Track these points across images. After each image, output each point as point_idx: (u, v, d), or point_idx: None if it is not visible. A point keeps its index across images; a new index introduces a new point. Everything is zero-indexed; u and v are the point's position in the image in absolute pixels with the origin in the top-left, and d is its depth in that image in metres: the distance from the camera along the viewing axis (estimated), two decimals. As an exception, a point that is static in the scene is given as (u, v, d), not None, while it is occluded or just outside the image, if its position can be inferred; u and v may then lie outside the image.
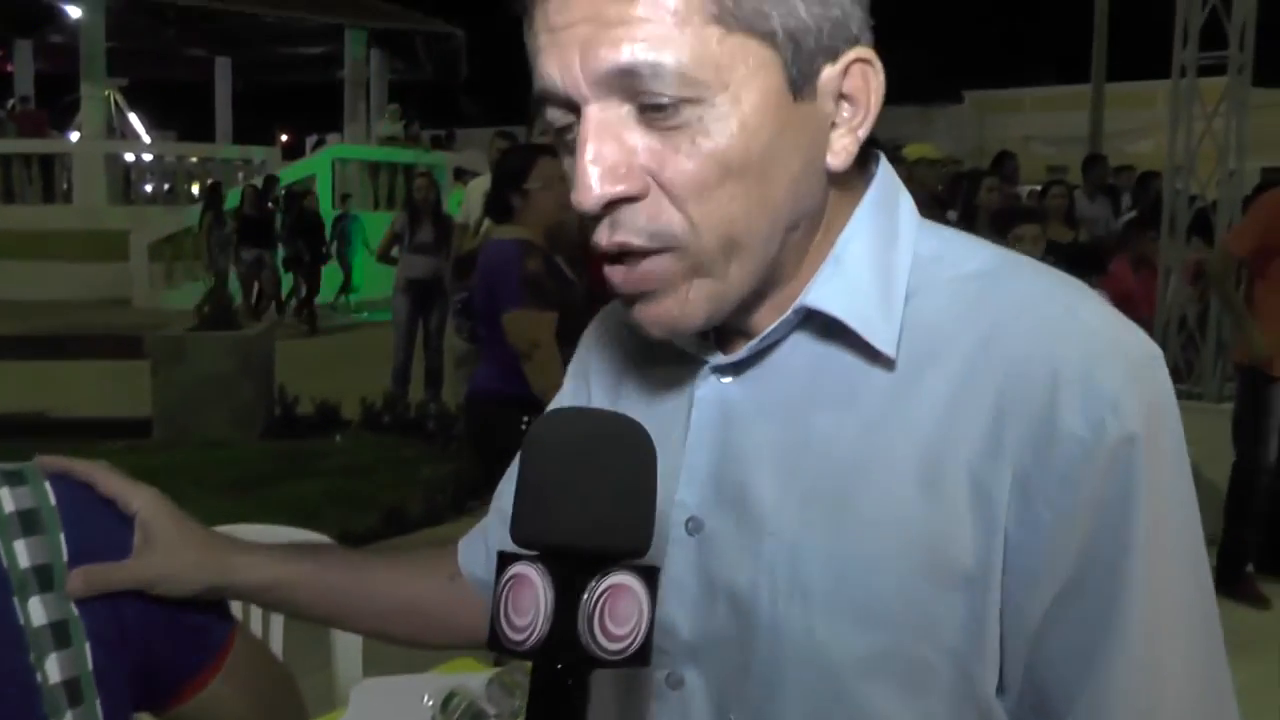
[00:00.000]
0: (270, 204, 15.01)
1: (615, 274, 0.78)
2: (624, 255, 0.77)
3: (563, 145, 0.78)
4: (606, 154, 0.73)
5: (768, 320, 0.81)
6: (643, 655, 0.66)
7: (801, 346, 0.82)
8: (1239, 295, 4.98)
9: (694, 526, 0.84)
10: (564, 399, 1.07)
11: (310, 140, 26.08)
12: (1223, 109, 5.95)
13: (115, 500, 1.00)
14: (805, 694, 0.79)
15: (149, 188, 21.48)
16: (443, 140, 21.83)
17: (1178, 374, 6.03)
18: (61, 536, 0.98)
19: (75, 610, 0.97)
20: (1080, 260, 6.54)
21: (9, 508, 0.96)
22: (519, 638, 0.65)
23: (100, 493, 1.01)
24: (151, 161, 21.36)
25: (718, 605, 0.82)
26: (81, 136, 20.83)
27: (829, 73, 0.76)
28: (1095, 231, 8.77)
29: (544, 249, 3.57)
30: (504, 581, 0.66)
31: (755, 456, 0.82)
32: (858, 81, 0.78)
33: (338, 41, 22.04)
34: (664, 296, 0.77)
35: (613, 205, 0.74)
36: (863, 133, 0.79)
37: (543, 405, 3.69)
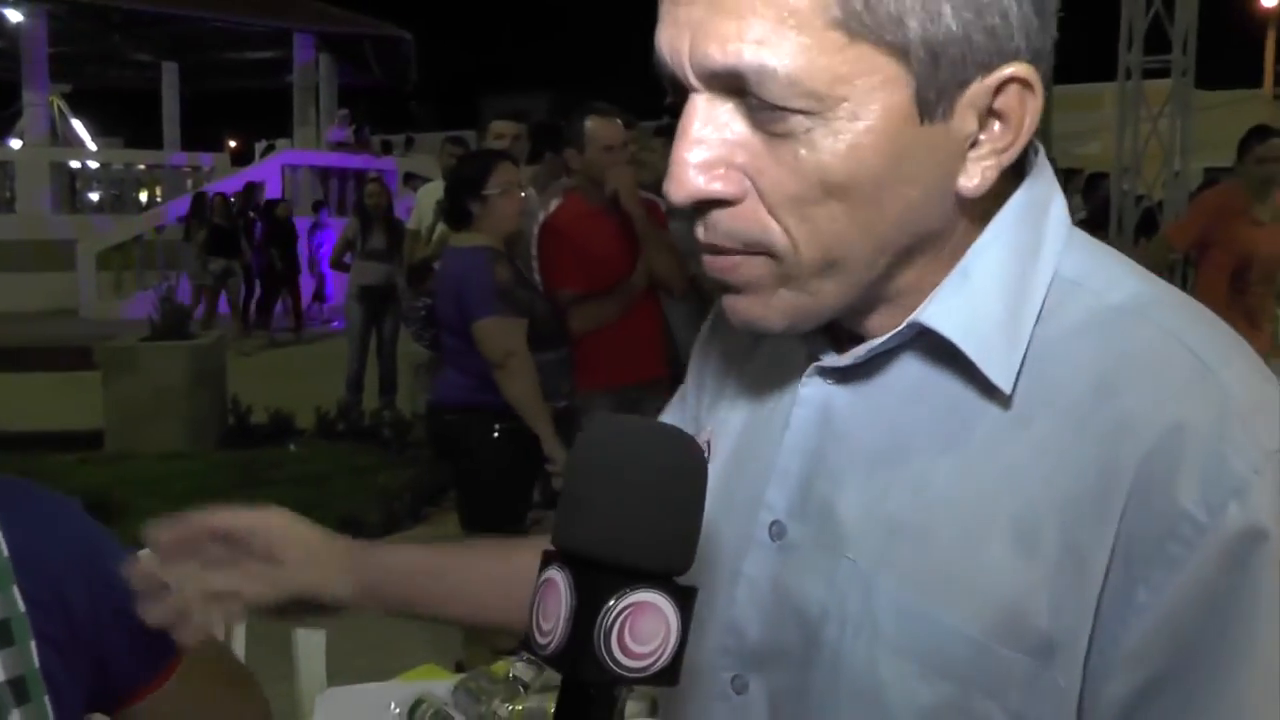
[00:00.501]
0: (252, 213, 14.94)
1: (708, 261, 0.74)
2: (719, 250, 0.72)
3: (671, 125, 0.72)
4: (705, 149, 0.68)
5: (884, 327, 0.75)
6: (667, 675, 0.63)
7: (912, 365, 0.75)
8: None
9: (777, 531, 0.79)
10: (675, 400, 1.01)
11: (259, 146, 25.86)
12: (1167, 111, 6.07)
13: (252, 532, 0.98)
14: None
15: (95, 196, 21.18)
16: (400, 145, 21.72)
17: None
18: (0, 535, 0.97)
19: (21, 608, 0.96)
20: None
21: None
22: (543, 642, 0.63)
23: (232, 528, 0.98)
24: (97, 169, 21.06)
25: (786, 618, 0.78)
26: (24, 144, 20.49)
27: (977, 88, 0.67)
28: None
29: (508, 256, 3.57)
30: (539, 583, 0.64)
31: (848, 470, 0.76)
32: (1012, 101, 0.68)
33: (286, 46, 21.85)
34: (748, 294, 0.73)
35: (705, 205, 0.70)
36: (1008, 158, 0.70)
37: (514, 413, 3.67)
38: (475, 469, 3.55)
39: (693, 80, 0.68)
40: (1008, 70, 0.67)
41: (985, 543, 0.69)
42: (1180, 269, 5.98)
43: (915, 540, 0.72)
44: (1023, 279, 0.72)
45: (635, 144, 4.36)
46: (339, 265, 8.94)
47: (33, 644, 0.96)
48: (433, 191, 7.49)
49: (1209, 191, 5.26)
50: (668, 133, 6.16)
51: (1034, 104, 0.69)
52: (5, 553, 0.97)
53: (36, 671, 0.96)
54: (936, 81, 0.66)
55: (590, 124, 3.77)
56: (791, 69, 0.64)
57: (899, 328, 0.73)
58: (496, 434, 3.47)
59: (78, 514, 1.04)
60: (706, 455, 0.72)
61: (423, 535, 5.85)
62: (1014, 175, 0.73)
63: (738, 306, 0.74)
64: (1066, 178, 10.51)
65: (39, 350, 9.40)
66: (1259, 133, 5.09)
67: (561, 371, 3.65)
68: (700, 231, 0.72)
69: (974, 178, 0.69)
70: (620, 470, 0.63)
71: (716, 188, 0.68)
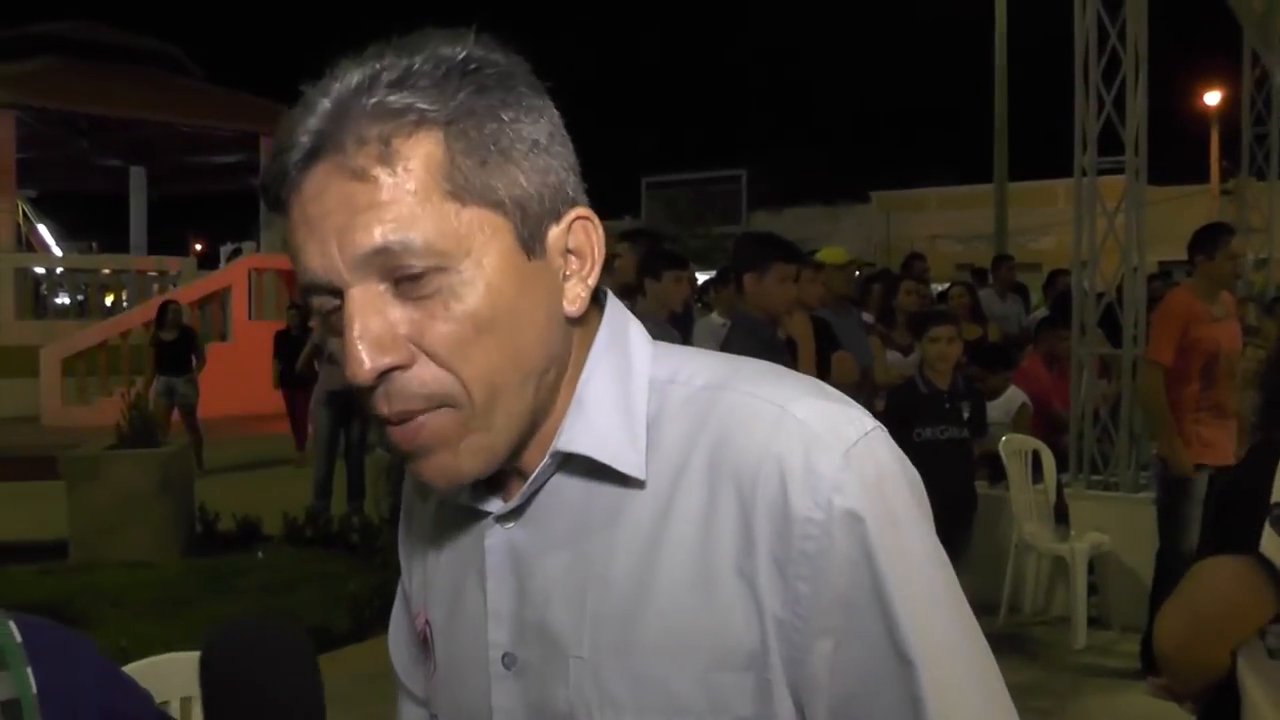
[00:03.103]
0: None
1: (395, 434, 0.85)
2: (405, 418, 0.83)
3: (329, 328, 0.85)
4: (371, 329, 0.80)
5: (537, 460, 0.89)
6: None
7: (567, 484, 0.90)
8: (1168, 413, 5.13)
9: (509, 661, 0.92)
10: (398, 596, 1.15)
11: (225, 249, 25.88)
12: (1122, 208, 6.23)
13: None
14: None
15: (61, 301, 21.08)
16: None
17: (1094, 466, 6.21)
18: (29, 671, 0.99)
19: None
20: (991, 358, 6.75)
21: None
22: None
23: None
24: (63, 274, 21.00)
25: None
26: (-12, 250, 20.41)
27: (555, 231, 0.86)
28: (1008, 329, 9.05)
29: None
30: None
31: (548, 591, 0.90)
32: (580, 236, 0.88)
33: (252, 149, 22.04)
34: (440, 451, 0.84)
35: (384, 375, 0.81)
36: (592, 280, 0.88)
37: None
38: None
39: (346, 276, 0.80)
40: (572, 213, 0.87)
41: (674, 601, 0.85)
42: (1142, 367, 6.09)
43: (619, 621, 0.86)
44: (625, 392, 0.90)
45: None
46: (308, 370, 8.87)
47: None
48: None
49: (1169, 300, 5.36)
50: (632, 237, 6.27)
51: (597, 235, 0.89)
52: (34, 689, 0.99)
53: None
54: (527, 227, 0.84)
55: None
56: (425, 236, 0.79)
57: (544, 460, 0.89)
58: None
59: (94, 654, 1.07)
60: (428, 637, 1.01)
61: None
62: (597, 323, 0.92)
63: (431, 465, 0.85)
64: (1025, 272, 10.72)
65: (8, 461, 9.24)
66: (1223, 230, 5.24)
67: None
68: (384, 405, 0.83)
69: (574, 302, 0.88)
70: (236, 677, 0.77)
71: (389, 360, 0.81)
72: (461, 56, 0.83)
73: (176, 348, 11.75)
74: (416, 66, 0.81)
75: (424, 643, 1.04)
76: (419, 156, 0.80)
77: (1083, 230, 6.30)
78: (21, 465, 9.08)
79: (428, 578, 1.04)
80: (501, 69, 0.84)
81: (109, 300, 21.05)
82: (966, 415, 5.16)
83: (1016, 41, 15.02)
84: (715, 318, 6.26)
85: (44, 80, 19.67)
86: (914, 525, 0.85)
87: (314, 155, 0.81)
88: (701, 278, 8.84)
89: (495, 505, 0.93)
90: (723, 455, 0.85)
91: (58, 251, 25.14)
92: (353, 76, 0.81)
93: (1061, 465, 6.17)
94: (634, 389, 0.90)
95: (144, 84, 21.11)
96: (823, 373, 5.02)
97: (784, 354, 4.47)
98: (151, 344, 11.92)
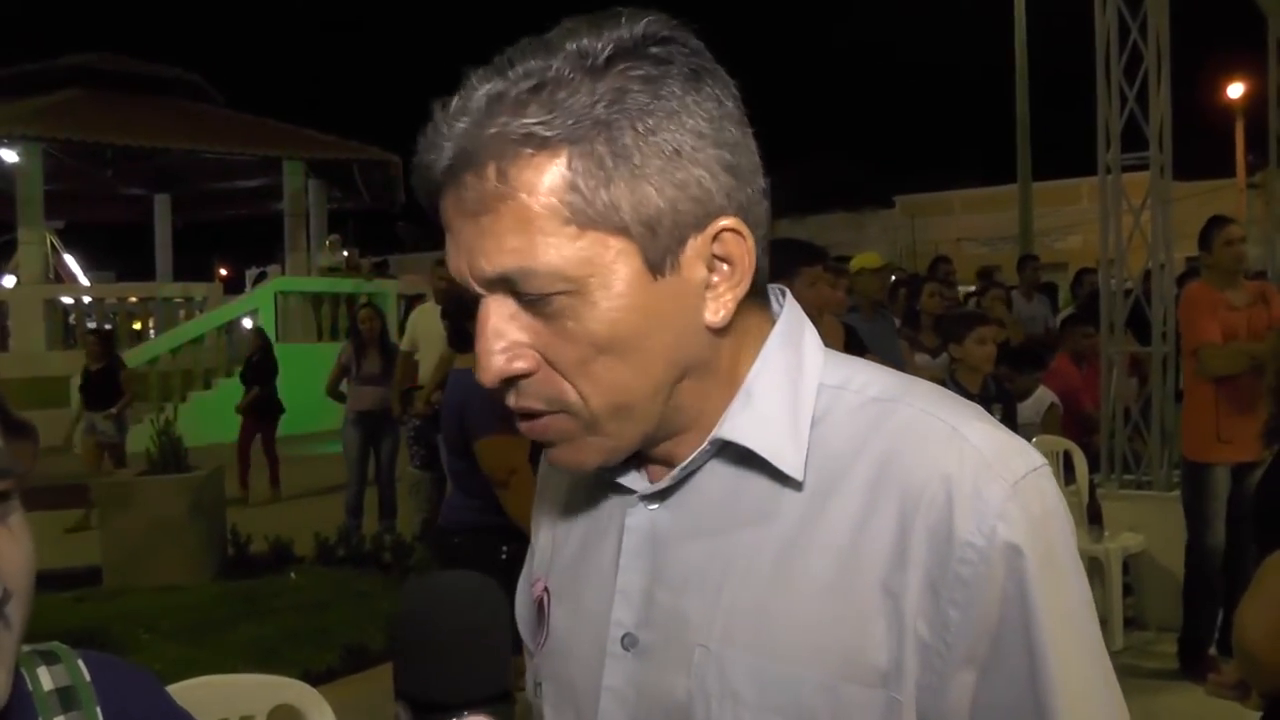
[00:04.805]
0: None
1: (524, 427, 0.89)
2: (528, 414, 0.88)
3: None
4: (500, 339, 0.84)
5: (685, 451, 0.90)
6: None
7: (719, 473, 0.90)
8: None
9: (629, 642, 0.92)
10: (528, 555, 1.16)
11: (251, 273, 26.03)
12: (1148, 204, 6.17)
13: None
14: None
15: (90, 330, 21.22)
16: (380, 267, 21.87)
17: (1126, 465, 6.14)
18: (98, 710, 1.02)
19: None
20: (1020, 358, 6.69)
21: (48, 685, 1.01)
22: None
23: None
24: (91, 304, 21.18)
25: (655, 714, 0.90)
26: (19, 282, 20.63)
27: (695, 243, 0.84)
28: (1034, 329, 8.98)
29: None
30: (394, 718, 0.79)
31: (684, 576, 0.90)
32: (730, 246, 0.85)
33: (275, 174, 22.18)
34: (563, 445, 0.88)
35: (511, 380, 0.85)
36: (740, 290, 0.86)
37: (521, 532, 3.68)
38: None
39: (477, 289, 0.84)
40: (719, 223, 0.84)
41: (813, 603, 0.84)
42: (1171, 365, 6.03)
43: (754, 615, 0.86)
44: (794, 391, 0.89)
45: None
46: (335, 393, 8.88)
47: None
48: (426, 312, 7.56)
49: (1186, 293, 5.30)
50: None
51: (748, 244, 0.85)
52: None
53: None
54: (657, 246, 0.82)
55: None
56: (544, 264, 0.80)
57: (702, 446, 0.89)
58: (504, 555, 3.45)
59: (156, 686, 1.10)
60: (545, 605, 1.01)
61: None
62: (768, 321, 0.93)
63: (559, 455, 0.90)
64: (1052, 272, 10.65)
65: (34, 489, 9.29)
66: (1216, 221, 5.18)
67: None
68: (512, 399, 0.87)
69: (717, 313, 0.86)
70: (435, 623, 0.80)
71: (515, 368, 0.85)
72: (606, 55, 0.81)
73: (100, 379, 10.67)
74: (552, 73, 0.80)
75: (540, 610, 1.03)
76: (538, 183, 0.80)
77: (1108, 228, 6.25)
78: (56, 494, 9.14)
79: (555, 546, 1.04)
80: (653, 62, 0.82)
81: (136, 328, 21.21)
82: (998, 418, 5.09)
83: (1037, 39, 14.96)
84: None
85: (69, 112, 19.87)
86: (1072, 569, 0.85)
87: (440, 185, 0.83)
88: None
89: (642, 485, 0.93)
90: (891, 467, 0.85)
91: (85, 281, 25.35)
92: (480, 96, 0.80)
93: (1093, 465, 6.11)
94: (803, 389, 0.90)
95: (166, 113, 21.28)
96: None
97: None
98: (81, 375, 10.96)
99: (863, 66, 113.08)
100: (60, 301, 20.31)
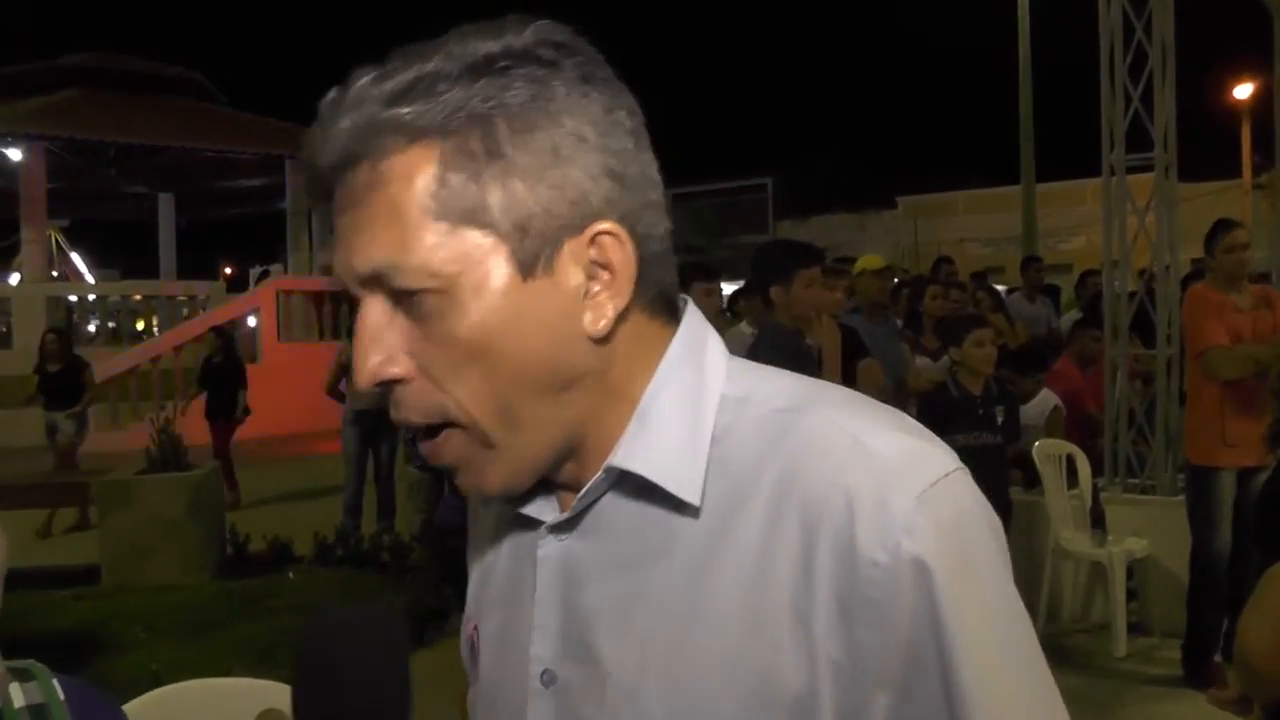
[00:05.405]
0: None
1: (424, 449, 0.86)
2: (426, 431, 0.84)
3: None
4: (377, 342, 0.81)
5: (589, 476, 0.86)
6: None
7: (620, 502, 0.86)
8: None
9: (548, 679, 0.89)
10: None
11: (254, 272, 26.07)
12: (1152, 206, 6.14)
13: None
14: None
15: (93, 327, 21.28)
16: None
17: (1130, 469, 6.10)
18: None
19: None
20: (1023, 360, 6.66)
21: (19, 702, 1.01)
22: None
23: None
24: (94, 301, 21.20)
25: None
26: (22, 279, 20.66)
27: (571, 247, 0.81)
28: (1037, 331, 8.95)
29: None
30: None
31: (595, 610, 0.87)
32: (609, 252, 0.82)
33: (279, 172, 22.22)
34: (464, 469, 0.85)
35: (388, 385, 0.82)
36: (621, 300, 0.82)
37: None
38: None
39: (354, 289, 0.82)
40: (594, 228, 0.81)
41: (723, 633, 0.81)
42: (1177, 368, 5.99)
43: (667, 647, 0.82)
44: (693, 410, 0.85)
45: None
46: (334, 392, 8.87)
47: None
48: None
49: (1189, 296, 5.26)
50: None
51: (627, 250, 0.82)
52: None
53: None
54: (528, 247, 0.79)
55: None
56: (413, 259, 0.78)
57: (598, 475, 0.85)
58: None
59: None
60: (475, 646, 0.98)
61: (425, 660, 5.72)
62: (667, 332, 0.88)
63: (463, 481, 0.87)
64: (1056, 274, 10.62)
65: (33, 487, 9.31)
66: (1220, 226, 5.15)
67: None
68: (394, 414, 0.84)
69: (595, 322, 0.82)
70: (332, 668, 0.80)
71: (392, 370, 0.82)
72: (485, 54, 0.79)
73: (60, 380, 10.63)
74: (430, 69, 0.79)
75: (471, 651, 1.01)
76: (408, 176, 0.78)
77: (1112, 230, 6.21)
78: (55, 491, 9.14)
79: (483, 585, 1.01)
80: (540, 64, 0.80)
81: (140, 326, 21.24)
82: (1000, 420, 5.06)
83: (1040, 40, 14.92)
84: (744, 327, 6.20)
85: (72, 111, 19.91)
86: (992, 577, 0.80)
87: (328, 185, 0.82)
88: (729, 288, 8.79)
89: (550, 514, 0.90)
90: (792, 484, 0.80)
91: (90, 279, 25.40)
92: (357, 89, 0.79)
93: (1097, 469, 6.08)
94: (703, 405, 0.86)
95: (169, 112, 21.34)
96: (848, 381, 4.96)
97: (811, 363, 4.42)
98: (35, 372, 10.93)
99: (865, 66, 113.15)
100: (64, 298, 20.33)
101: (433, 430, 0.84)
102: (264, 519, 8.40)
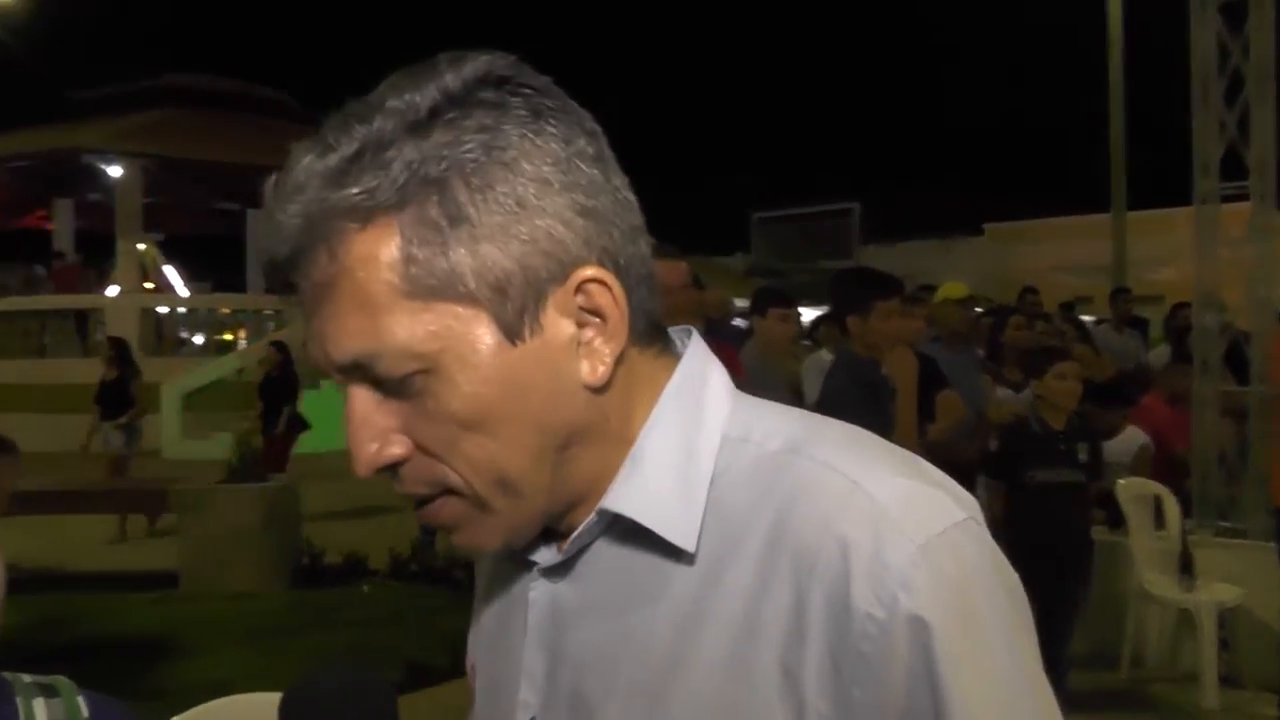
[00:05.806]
0: None
1: (420, 512, 0.83)
2: (419, 500, 0.82)
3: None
4: (368, 428, 0.78)
5: (584, 516, 0.83)
6: None
7: (611, 546, 0.83)
8: None
9: None
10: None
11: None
12: (1248, 236, 5.95)
13: None
14: None
15: (183, 338, 21.79)
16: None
17: (1221, 512, 5.88)
18: None
19: None
20: (1107, 395, 6.47)
21: (41, 718, 1.02)
22: None
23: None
24: (185, 313, 21.73)
25: None
26: (119, 291, 21.29)
27: (557, 298, 0.77)
28: (1124, 364, 8.72)
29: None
30: None
31: (583, 656, 0.84)
32: (597, 299, 0.78)
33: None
34: (462, 529, 0.82)
35: (387, 468, 0.80)
36: (617, 344, 0.79)
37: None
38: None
39: (338, 378, 0.79)
40: (580, 274, 0.76)
41: (708, 685, 0.77)
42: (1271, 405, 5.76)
43: (651, 697, 0.79)
44: (690, 451, 0.81)
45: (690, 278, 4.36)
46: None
47: None
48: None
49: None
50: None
51: (615, 293, 0.77)
52: None
53: None
54: (511, 310, 0.75)
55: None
56: (391, 345, 0.75)
57: (590, 518, 0.81)
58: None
59: None
60: (472, 686, 0.96)
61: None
62: (666, 369, 0.84)
63: (460, 540, 0.84)
64: (1145, 305, 10.35)
65: (116, 493, 9.54)
66: None
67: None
68: (397, 485, 0.82)
69: (595, 369, 0.78)
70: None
71: (387, 456, 0.79)
72: (429, 107, 0.74)
73: (113, 389, 10.58)
74: (373, 134, 0.74)
75: (470, 691, 0.99)
76: (371, 258, 0.74)
77: (1204, 261, 6.02)
78: (137, 498, 9.36)
79: (479, 624, 0.99)
80: (485, 108, 0.75)
81: (228, 338, 21.71)
82: (1084, 458, 4.91)
83: (1132, 63, 14.61)
84: (824, 354, 6.13)
85: (167, 130, 20.52)
86: (1001, 639, 0.74)
87: (280, 268, 0.78)
88: (812, 314, 8.70)
89: (544, 557, 0.87)
90: (784, 531, 0.76)
91: (184, 292, 26.07)
92: (300, 172, 0.75)
93: (1186, 510, 5.87)
94: (701, 446, 0.81)
95: (257, 130, 21.83)
96: (926, 413, 4.86)
97: (887, 393, 4.33)
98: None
99: (954, 91, 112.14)
100: (155, 310, 20.87)
101: (417, 497, 0.82)
102: (339, 532, 8.49)
